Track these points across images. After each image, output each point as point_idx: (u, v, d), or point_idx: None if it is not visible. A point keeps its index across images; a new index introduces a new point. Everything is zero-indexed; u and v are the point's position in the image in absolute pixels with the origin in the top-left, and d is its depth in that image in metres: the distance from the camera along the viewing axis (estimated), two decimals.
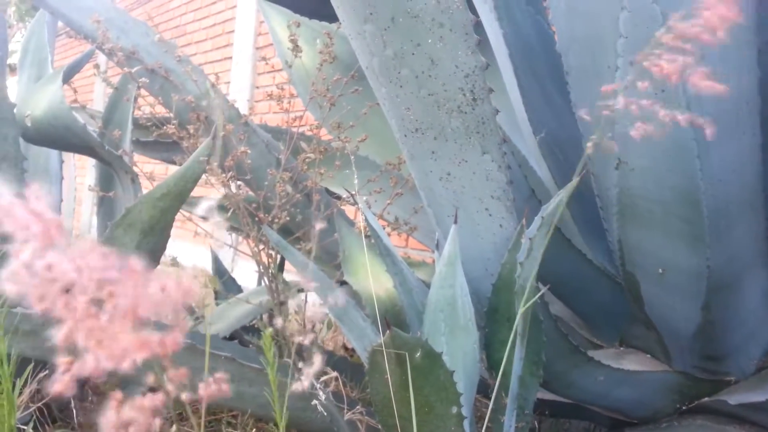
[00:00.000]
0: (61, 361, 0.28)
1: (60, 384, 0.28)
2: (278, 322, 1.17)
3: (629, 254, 0.90)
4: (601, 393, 0.95)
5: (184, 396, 0.33)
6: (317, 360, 0.44)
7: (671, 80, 0.41)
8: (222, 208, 1.32)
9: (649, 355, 1.03)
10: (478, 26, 0.77)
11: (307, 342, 0.47)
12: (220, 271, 1.67)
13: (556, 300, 1.07)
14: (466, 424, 0.74)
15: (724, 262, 0.83)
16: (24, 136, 1.26)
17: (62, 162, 1.52)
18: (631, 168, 0.80)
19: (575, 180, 0.75)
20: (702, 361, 0.96)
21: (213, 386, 0.34)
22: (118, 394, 0.30)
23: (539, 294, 0.74)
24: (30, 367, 0.94)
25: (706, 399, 0.95)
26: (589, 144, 0.54)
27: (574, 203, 1.04)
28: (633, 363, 1.01)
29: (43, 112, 1.23)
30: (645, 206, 0.82)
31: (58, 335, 0.29)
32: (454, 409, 0.72)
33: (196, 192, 1.12)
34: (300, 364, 0.92)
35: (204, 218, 1.42)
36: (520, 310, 0.71)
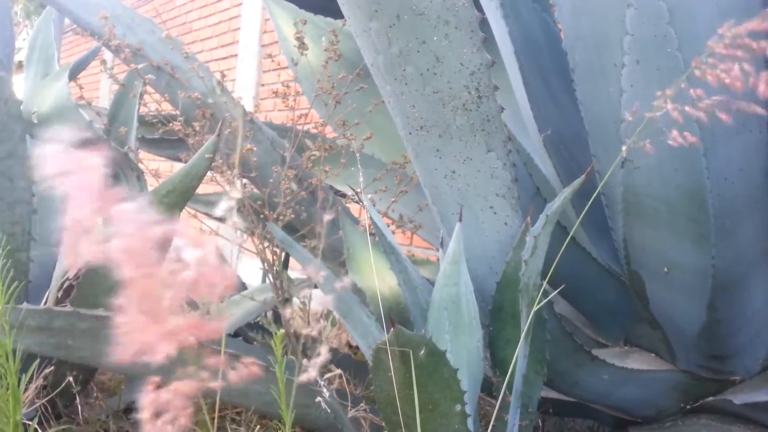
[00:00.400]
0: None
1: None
2: (287, 313, 1.17)
3: (634, 253, 0.90)
4: (606, 392, 0.95)
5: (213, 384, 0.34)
6: (324, 351, 0.44)
7: (735, 87, 0.41)
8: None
9: (653, 354, 1.03)
10: (484, 23, 0.76)
11: (314, 333, 0.47)
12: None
13: (561, 299, 1.07)
14: (469, 421, 0.74)
15: (730, 261, 0.83)
16: (30, 132, 1.27)
17: None
18: (637, 166, 0.80)
19: (580, 178, 0.75)
20: (707, 361, 0.95)
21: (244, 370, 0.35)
22: (155, 378, 0.31)
23: (549, 296, 0.74)
24: (35, 363, 0.95)
25: (711, 398, 0.94)
26: (624, 148, 0.54)
27: (579, 201, 1.04)
28: (638, 362, 1.00)
29: (50, 109, 1.23)
30: (650, 205, 0.82)
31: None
32: (458, 407, 0.72)
33: (201, 189, 1.12)
34: (305, 362, 0.92)
35: (221, 219, 1.43)
36: (531, 310, 0.71)
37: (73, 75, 1.36)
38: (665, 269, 0.86)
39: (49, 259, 1.32)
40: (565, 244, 0.81)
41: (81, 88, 1.39)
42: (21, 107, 1.20)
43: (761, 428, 0.90)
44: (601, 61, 0.81)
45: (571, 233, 0.76)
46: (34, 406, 1.05)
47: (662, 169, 0.78)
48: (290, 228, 1.26)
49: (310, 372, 0.42)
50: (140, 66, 1.23)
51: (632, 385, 0.96)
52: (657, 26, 0.71)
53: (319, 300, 1.43)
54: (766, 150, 0.80)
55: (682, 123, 0.72)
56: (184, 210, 1.07)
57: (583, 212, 0.67)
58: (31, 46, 1.60)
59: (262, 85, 3.68)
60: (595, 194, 0.71)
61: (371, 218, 0.83)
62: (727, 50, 0.42)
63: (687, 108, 0.47)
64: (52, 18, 1.61)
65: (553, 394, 0.96)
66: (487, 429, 0.76)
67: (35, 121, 1.23)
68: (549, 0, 1.05)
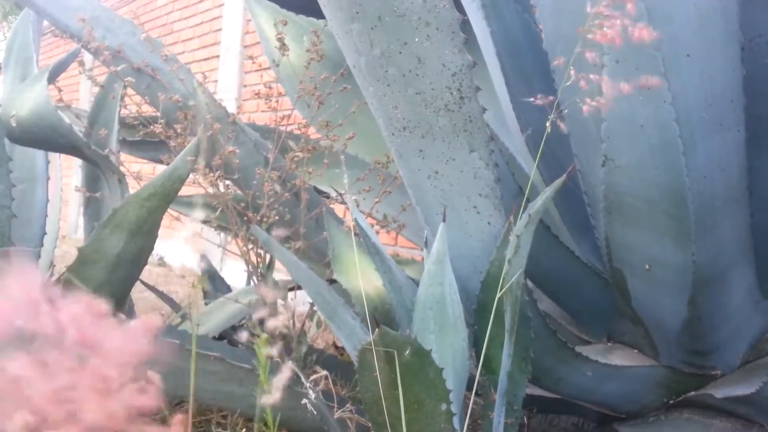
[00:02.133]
0: None
1: None
2: (271, 323, 1.16)
3: (616, 250, 0.91)
4: (590, 388, 0.96)
5: None
6: (286, 370, 0.44)
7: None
8: (210, 206, 1.31)
9: (636, 350, 1.04)
10: (465, 25, 0.77)
11: (299, 334, 0.47)
12: (208, 270, 1.66)
13: (544, 296, 1.08)
14: (455, 420, 0.74)
15: (710, 257, 0.84)
16: (9, 136, 1.25)
17: (48, 162, 1.50)
18: (617, 165, 0.80)
19: (562, 177, 0.76)
20: (689, 356, 0.97)
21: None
22: None
23: (532, 294, 0.74)
24: None
25: (693, 393, 0.96)
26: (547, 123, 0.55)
27: (561, 200, 1.05)
28: (621, 358, 1.01)
29: (29, 112, 1.22)
30: (631, 203, 0.82)
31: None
32: (444, 406, 0.72)
33: (183, 191, 1.11)
34: (290, 364, 0.92)
35: (204, 222, 1.42)
36: (515, 309, 0.71)
37: (53, 78, 1.35)
38: (647, 266, 0.87)
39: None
40: (546, 242, 0.82)
41: (60, 90, 1.37)
42: None
43: (742, 421, 0.92)
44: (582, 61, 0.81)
45: (545, 228, 0.77)
46: None
47: (642, 167, 0.79)
48: (274, 230, 1.26)
49: (284, 373, 0.42)
50: (120, 68, 1.22)
51: (616, 381, 0.97)
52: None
53: (304, 301, 1.43)
54: (744, 148, 0.81)
55: (659, 123, 0.73)
56: (166, 212, 1.06)
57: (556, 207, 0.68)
58: (9, 48, 1.57)
59: (245, 86, 3.66)
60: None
61: (355, 219, 0.83)
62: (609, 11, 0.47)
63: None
64: (30, 19, 1.59)
65: (537, 392, 0.97)
66: (472, 427, 0.77)
67: (14, 125, 1.21)
68: (530, 1, 1.06)
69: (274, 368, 0.90)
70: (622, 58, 0.73)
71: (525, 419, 1.13)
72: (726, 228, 0.85)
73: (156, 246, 1.09)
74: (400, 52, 0.74)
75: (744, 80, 0.77)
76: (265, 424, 0.61)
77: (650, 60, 0.72)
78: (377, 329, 0.67)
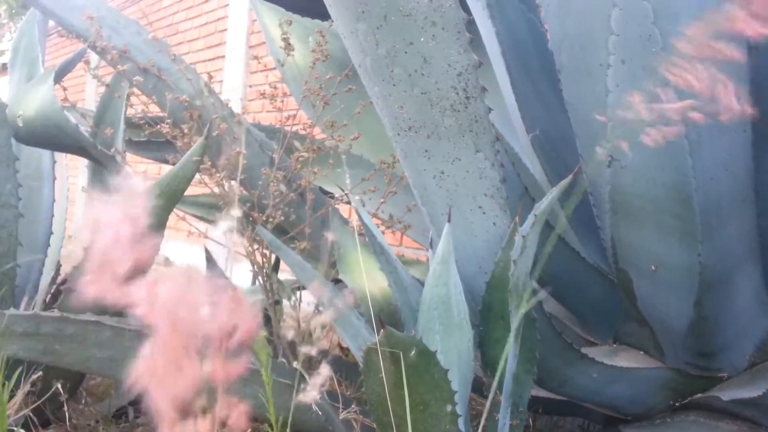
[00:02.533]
0: None
1: None
2: (285, 332, 1.17)
3: (622, 251, 0.90)
4: (595, 390, 0.96)
5: None
6: (324, 371, 0.44)
7: (702, 92, 0.39)
8: (215, 207, 1.31)
9: (642, 352, 1.03)
10: (471, 25, 0.77)
11: (313, 352, 0.47)
12: (214, 270, 1.66)
13: (550, 298, 1.07)
14: (460, 422, 0.74)
15: (716, 258, 0.83)
16: (16, 136, 1.26)
17: (54, 162, 1.51)
18: (623, 165, 0.80)
19: (568, 178, 0.75)
20: (695, 358, 0.96)
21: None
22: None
23: (538, 295, 0.74)
24: (22, 368, 0.94)
25: (699, 395, 0.95)
26: (598, 149, 0.54)
27: (567, 201, 1.05)
28: (626, 360, 1.01)
29: (35, 113, 1.22)
30: (637, 203, 0.82)
31: None
32: (449, 408, 0.72)
33: (189, 191, 1.12)
34: (295, 364, 0.92)
35: (210, 222, 1.42)
36: (521, 310, 0.71)
37: (59, 78, 1.35)
38: (652, 267, 0.87)
39: (36, 263, 1.31)
40: (553, 244, 0.81)
41: (65, 90, 1.38)
42: (6, 111, 1.18)
43: (749, 424, 0.91)
44: (587, 62, 0.81)
45: (550, 229, 0.77)
46: (21, 413, 1.04)
47: (648, 168, 0.78)
48: (280, 230, 1.26)
49: (311, 393, 0.42)
50: (126, 68, 1.22)
51: (621, 382, 0.96)
52: (642, 26, 0.72)
53: (308, 301, 1.43)
54: (750, 149, 0.81)
55: (665, 123, 0.73)
56: (172, 212, 1.06)
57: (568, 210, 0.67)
58: (15, 48, 1.58)
59: (250, 86, 3.67)
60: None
61: (361, 219, 0.83)
62: (696, 51, 0.40)
63: (656, 106, 0.47)
64: (36, 20, 1.59)
65: (543, 393, 0.97)
66: (478, 429, 0.77)
67: (20, 125, 1.22)
68: (535, 0, 1.06)
69: (276, 368, 0.90)
70: (628, 58, 0.73)
71: (530, 421, 1.13)
72: (732, 229, 0.84)
73: (162, 246, 1.09)
74: (406, 52, 0.74)
75: (750, 80, 0.77)
76: (270, 426, 0.61)
77: (656, 60, 0.72)
78: (382, 330, 0.67)
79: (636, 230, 0.86)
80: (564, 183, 0.77)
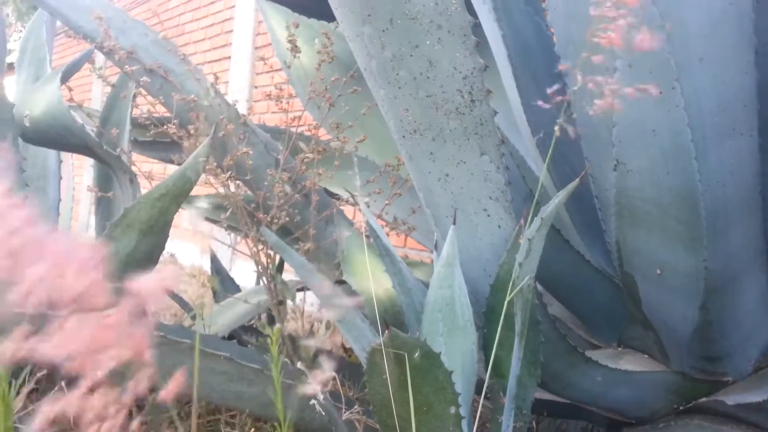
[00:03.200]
0: None
1: None
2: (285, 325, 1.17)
3: (627, 255, 0.90)
4: (599, 393, 0.96)
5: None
6: (328, 367, 0.45)
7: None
8: (221, 207, 1.32)
9: (646, 356, 1.03)
10: (477, 28, 0.77)
11: (313, 343, 0.47)
12: (218, 270, 1.67)
13: (555, 301, 1.07)
14: (464, 424, 0.74)
15: (722, 263, 0.83)
16: (22, 136, 1.26)
17: (60, 162, 1.52)
18: (629, 169, 0.80)
19: (575, 182, 0.75)
20: (699, 362, 0.96)
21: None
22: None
23: (542, 298, 0.74)
24: (27, 367, 0.95)
25: (704, 399, 0.95)
26: (556, 128, 0.55)
27: (573, 204, 1.05)
28: (631, 363, 1.01)
29: (42, 112, 1.23)
30: (643, 207, 0.82)
31: None
32: (453, 409, 0.72)
33: (195, 191, 1.12)
34: (299, 364, 0.92)
35: (215, 222, 1.42)
36: (525, 312, 0.71)
37: (66, 78, 1.36)
38: (658, 271, 0.87)
39: None
40: (557, 246, 0.81)
41: (71, 90, 1.38)
42: (13, 110, 1.19)
43: (753, 428, 0.91)
44: (593, 65, 0.81)
45: (556, 232, 0.77)
46: (26, 411, 1.04)
47: (654, 172, 0.78)
48: (284, 231, 1.26)
49: (312, 386, 0.42)
50: (133, 69, 1.23)
51: (625, 386, 0.96)
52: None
53: (312, 302, 1.43)
54: (757, 153, 0.81)
55: (672, 128, 0.73)
56: (177, 212, 1.07)
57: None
58: (23, 48, 1.59)
59: (256, 87, 3.68)
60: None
61: (366, 220, 0.83)
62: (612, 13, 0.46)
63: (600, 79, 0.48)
64: (43, 20, 1.60)
65: (546, 396, 0.97)
66: (481, 431, 0.77)
67: (27, 125, 1.22)
68: (541, 4, 1.06)
69: (282, 369, 0.90)
70: (635, 62, 0.73)
71: (534, 423, 1.13)
72: (738, 233, 0.84)
73: (167, 245, 1.10)
74: (411, 55, 0.74)
75: (758, 85, 0.77)
76: (273, 426, 0.61)
77: (663, 64, 0.72)
78: (387, 331, 0.67)
79: (641, 234, 0.86)
80: (571, 186, 0.77)
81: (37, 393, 1.09)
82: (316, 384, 0.69)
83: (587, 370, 0.92)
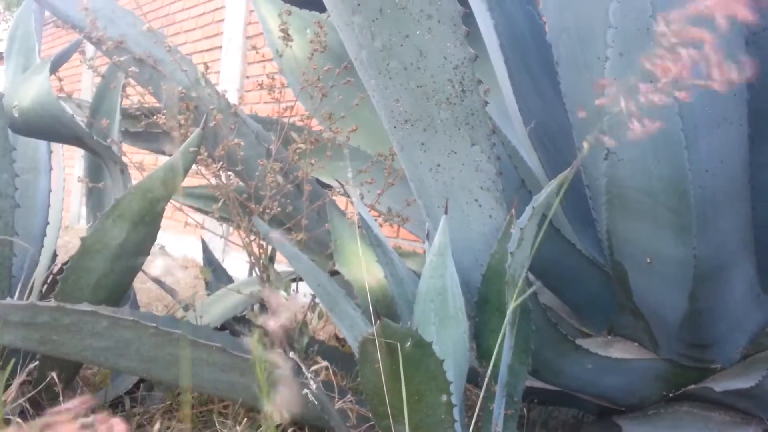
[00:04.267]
0: None
1: None
2: (271, 322, 1.17)
3: (617, 244, 0.91)
4: (590, 381, 0.97)
5: None
6: (303, 340, 0.45)
7: (680, 78, 0.40)
8: (212, 198, 1.31)
9: (636, 344, 1.04)
10: (468, 17, 0.77)
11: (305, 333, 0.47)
12: (210, 261, 1.67)
13: (546, 289, 1.08)
14: (455, 411, 0.75)
15: (711, 251, 0.84)
16: (12, 126, 1.25)
17: (51, 152, 1.50)
18: (620, 158, 0.80)
19: (567, 171, 0.75)
20: (688, 349, 0.97)
21: None
22: None
23: (534, 287, 0.74)
24: (18, 358, 0.94)
25: (693, 386, 0.96)
26: (585, 143, 0.55)
27: (563, 193, 1.05)
28: (621, 351, 1.02)
29: (31, 103, 1.22)
30: (633, 196, 0.83)
31: None
32: (444, 398, 0.73)
33: (187, 182, 1.11)
34: (291, 354, 0.93)
35: (206, 212, 1.42)
36: (516, 302, 0.71)
37: (55, 68, 1.35)
38: (648, 260, 0.87)
39: (32, 253, 1.31)
40: (548, 235, 0.82)
41: (61, 80, 1.37)
42: (1, 101, 1.18)
43: (741, 415, 0.92)
44: (585, 54, 0.81)
45: (548, 219, 0.77)
46: (17, 402, 1.04)
47: (644, 161, 0.79)
48: (276, 221, 1.26)
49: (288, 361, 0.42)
50: (122, 59, 1.22)
51: (615, 373, 0.97)
52: (640, 19, 0.72)
53: (305, 292, 1.43)
54: (747, 142, 0.81)
55: (662, 116, 0.73)
56: (168, 203, 1.06)
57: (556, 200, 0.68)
58: (11, 38, 1.57)
59: (247, 77, 3.66)
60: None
61: (358, 211, 0.83)
62: (677, 39, 0.41)
63: (640, 99, 0.47)
64: (32, 9, 1.58)
65: (538, 384, 0.98)
66: (472, 418, 0.77)
67: (16, 115, 1.21)
68: None
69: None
70: (626, 51, 0.73)
71: (525, 411, 1.14)
72: (727, 222, 0.85)
73: (158, 236, 1.10)
74: (402, 45, 0.74)
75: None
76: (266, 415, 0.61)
77: (654, 52, 0.72)
78: (379, 321, 0.67)
79: (632, 223, 0.86)
80: (562, 176, 0.77)
81: (30, 385, 1.09)
82: (308, 373, 0.69)
83: (578, 358, 0.92)
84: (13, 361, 0.93)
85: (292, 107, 1.28)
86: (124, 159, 1.27)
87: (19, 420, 0.99)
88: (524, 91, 1.04)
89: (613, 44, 0.74)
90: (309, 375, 0.86)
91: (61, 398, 1.06)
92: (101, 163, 1.39)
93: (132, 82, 1.28)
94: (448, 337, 0.78)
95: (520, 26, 1.05)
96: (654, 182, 0.80)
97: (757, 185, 0.85)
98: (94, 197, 1.50)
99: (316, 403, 0.84)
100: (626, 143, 0.79)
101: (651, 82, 0.72)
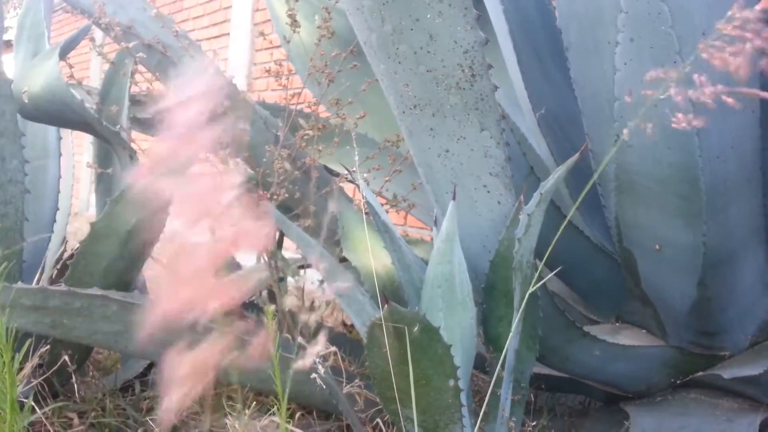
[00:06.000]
0: None
1: None
2: (285, 301, 1.17)
3: (626, 231, 0.90)
4: (597, 367, 0.97)
5: None
6: (321, 339, 0.45)
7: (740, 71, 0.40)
8: None
9: (644, 331, 1.04)
10: (478, 1, 0.76)
11: (311, 320, 0.47)
12: None
13: (553, 276, 1.08)
14: (462, 396, 0.75)
15: (721, 238, 0.83)
16: (21, 112, 1.26)
17: (60, 139, 1.51)
18: (630, 145, 0.80)
19: (574, 157, 0.75)
20: (697, 337, 0.97)
21: None
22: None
23: (541, 274, 0.74)
24: (30, 341, 0.95)
25: (701, 373, 0.96)
26: (625, 131, 0.54)
27: (572, 180, 1.05)
28: (629, 338, 1.02)
29: (41, 89, 1.22)
30: (643, 183, 0.82)
31: None
32: (451, 382, 0.73)
33: None
34: (300, 339, 0.93)
35: None
36: (524, 288, 0.71)
37: (64, 54, 1.35)
38: (657, 247, 0.87)
39: (42, 238, 1.32)
40: (556, 222, 0.81)
41: (71, 67, 1.37)
42: (11, 86, 1.18)
43: (749, 402, 0.92)
44: (595, 40, 0.80)
45: (555, 208, 0.77)
46: (30, 385, 1.05)
47: (655, 147, 0.78)
48: (284, 207, 1.26)
49: (307, 360, 0.43)
50: (131, 44, 1.22)
51: (623, 360, 0.97)
52: (651, 4, 0.71)
53: (312, 279, 1.44)
54: (758, 128, 0.80)
55: (682, 105, 0.72)
56: None
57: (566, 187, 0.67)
58: (21, 24, 1.57)
59: (255, 64, 3.65)
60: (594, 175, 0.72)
61: (365, 198, 0.83)
62: (736, 32, 0.41)
63: (690, 92, 0.47)
64: None
65: (545, 370, 0.98)
66: (480, 404, 0.78)
67: (26, 101, 1.22)
68: None
69: (283, 344, 0.91)
70: (636, 36, 0.73)
71: (532, 397, 1.14)
72: (737, 209, 0.84)
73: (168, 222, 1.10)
74: (412, 29, 0.73)
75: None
76: (276, 398, 0.62)
77: (664, 38, 0.71)
78: (386, 306, 0.68)
79: (641, 210, 0.86)
80: (570, 162, 0.77)
81: (42, 368, 1.10)
82: (316, 358, 0.70)
83: (585, 345, 0.93)
84: (26, 344, 0.94)
85: (299, 94, 1.27)
86: (133, 145, 1.28)
87: (32, 404, 1.01)
88: (533, 77, 1.03)
89: (623, 29, 0.74)
90: (318, 360, 0.87)
91: (73, 380, 1.07)
92: (110, 149, 1.39)
93: (141, 68, 1.28)
94: (456, 323, 0.79)
95: (529, 12, 1.05)
96: (664, 169, 0.79)
97: None
98: (104, 183, 1.50)
99: (324, 387, 0.85)
100: (636, 129, 0.78)
101: (662, 67, 0.71)
